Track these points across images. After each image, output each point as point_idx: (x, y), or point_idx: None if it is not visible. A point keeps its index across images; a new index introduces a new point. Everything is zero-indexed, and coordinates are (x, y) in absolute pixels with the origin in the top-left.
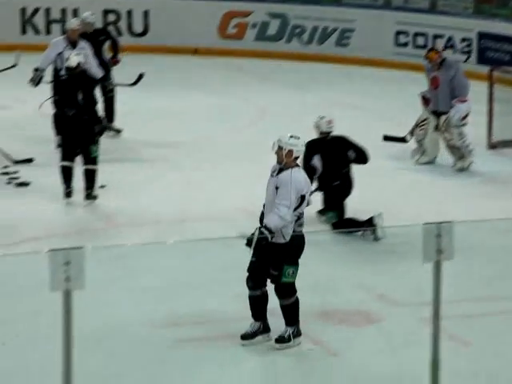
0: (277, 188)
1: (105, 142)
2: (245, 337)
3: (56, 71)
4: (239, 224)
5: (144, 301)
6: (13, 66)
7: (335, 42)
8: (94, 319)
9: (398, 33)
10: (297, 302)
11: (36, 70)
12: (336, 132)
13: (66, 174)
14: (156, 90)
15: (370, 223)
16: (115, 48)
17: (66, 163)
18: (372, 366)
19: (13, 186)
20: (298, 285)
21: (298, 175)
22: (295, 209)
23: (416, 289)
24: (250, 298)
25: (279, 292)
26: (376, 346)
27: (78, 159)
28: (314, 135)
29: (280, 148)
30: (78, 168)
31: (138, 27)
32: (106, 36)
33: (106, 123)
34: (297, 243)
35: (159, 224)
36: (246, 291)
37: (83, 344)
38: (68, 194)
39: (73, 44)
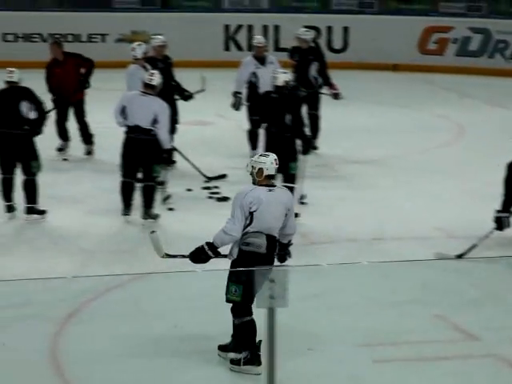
0: None
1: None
2: None
3: (252, 90)
4: (437, 244)
5: (341, 319)
6: (201, 91)
7: None
8: (294, 336)
9: None
10: (249, 325)
11: (235, 94)
12: None
13: None
14: (353, 106)
15: None
16: (323, 70)
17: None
18: None
19: (214, 201)
20: None
21: (252, 192)
22: (246, 226)
23: None
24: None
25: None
26: None
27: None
28: None
29: (252, 167)
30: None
31: (338, 43)
32: (315, 56)
33: (313, 143)
34: (243, 261)
35: (355, 242)
36: (444, 313)
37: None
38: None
39: (261, 60)
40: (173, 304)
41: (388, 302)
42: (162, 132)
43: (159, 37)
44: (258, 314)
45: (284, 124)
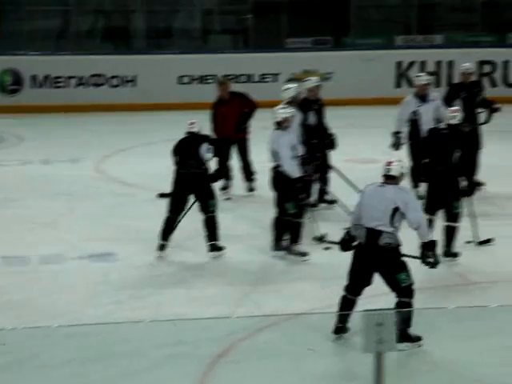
0: None
1: None
2: None
3: (414, 128)
4: None
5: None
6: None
7: None
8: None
9: None
10: None
11: (395, 133)
12: None
13: None
14: None
15: None
16: (485, 102)
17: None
18: None
19: None
20: None
21: None
22: None
23: None
24: None
25: None
26: None
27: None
28: None
29: None
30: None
31: None
32: (480, 88)
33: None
34: None
35: None
36: None
37: None
38: None
39: (423, 98)
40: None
41: None
42: (285, 163)
43: (313, 78)
44: None
45: (451, 162)
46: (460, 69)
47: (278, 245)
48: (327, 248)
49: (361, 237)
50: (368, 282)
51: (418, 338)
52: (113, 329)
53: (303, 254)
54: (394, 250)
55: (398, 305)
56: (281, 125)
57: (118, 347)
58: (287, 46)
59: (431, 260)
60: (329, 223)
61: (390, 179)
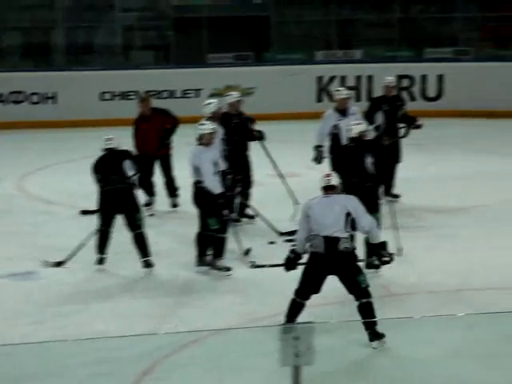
0: None
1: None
2: None
3: (335, 142)
4: None
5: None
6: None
7: None
8: None
9: None
10: None
11: (317, 147)
12: None
13: None
14: (447, 155)
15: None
16: (407, 118)
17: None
18: None
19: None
20: None
21: None
22: None
23: None
24: None
25: None
26: None
27: None
28: None
29: None
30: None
31: (432, 91)
32: (401, 103)
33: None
34: None
35: (437, 293)
36: None
37: None
38: None
39: (343, 112)
40: (252, 361)
41: (472, 354)
42: (207, 179)
43: (234, 93)
44: None
45: (365, 173)
46: (383, 82)
47: (201, 260)
48: (252, 263)
49: (318, 246)
50: (318, 289)
51: (383, 335)
52: (36, 348)
53: (227, 269)
54: (351, 254)
55: (361, 306)
56: (203, 140)
57: (41, 367)
58: (209, 62)
59: (387, 258)
60: (251, 238)
61: (331, 189)
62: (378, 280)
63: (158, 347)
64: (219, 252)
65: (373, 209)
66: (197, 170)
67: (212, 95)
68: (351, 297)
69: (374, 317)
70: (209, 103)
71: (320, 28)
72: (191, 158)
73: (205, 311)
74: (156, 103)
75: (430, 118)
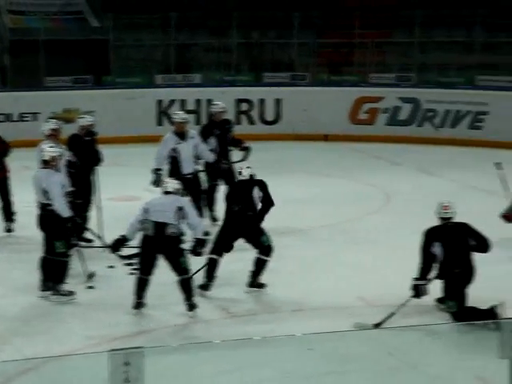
0: None
1: None
2: None
3: (174, 165)
4: (357, 313)
5: None
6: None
7: (468, 125)
8: None
9: None
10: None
11: (155, 170)
12: (465, 216)
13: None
14: (286, 178)
15: (491, 313)
16: (235, 141)
17: (214, 256)
18: None
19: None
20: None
21: None
22: None
23: None
24: None
25: None
26: None
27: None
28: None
29: None
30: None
31: (270, 115)
32: (230, 126)
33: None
34: None
35: (274, 314)
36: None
37: None
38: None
39: (182, 136)
40: None
41: (306, 375)
42: (57, 202)
43: (87, 116)
44: None
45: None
46: (212, 108)
47: (45, 285)
48: (91, 287)
49: (148, 229)
50: (154, 265)
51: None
52: None
53: (69, 294)
54: (177, 239)
55: (182, 282)
56: (49, 163)
57: None
58: (46, 85)
59: (201, 252)
60: (92, 261)
61: (169, 193)
62: (217, 302)
63: None
64: (62, 276)
65: (259, 233)
66: (45, 193)
67: (51, 118)
68: None
69: (192, 290)
70: (46, 124)
71: (159, 52)
72: (38, 181)
73: (44, 338)
74: None
75: (268, 141)
